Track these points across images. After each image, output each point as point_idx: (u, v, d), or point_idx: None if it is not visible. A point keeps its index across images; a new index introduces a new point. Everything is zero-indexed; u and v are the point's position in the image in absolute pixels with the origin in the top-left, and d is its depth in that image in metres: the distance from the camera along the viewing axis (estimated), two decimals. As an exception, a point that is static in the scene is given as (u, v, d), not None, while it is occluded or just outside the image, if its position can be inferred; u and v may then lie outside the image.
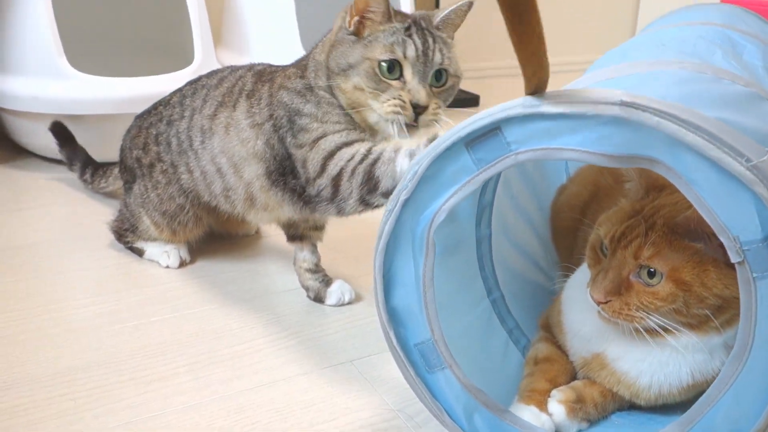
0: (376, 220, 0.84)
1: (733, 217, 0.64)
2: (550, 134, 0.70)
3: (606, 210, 0.89)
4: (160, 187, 1.30)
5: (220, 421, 0.92)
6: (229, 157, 1.18)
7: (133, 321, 1.15)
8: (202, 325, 1.14)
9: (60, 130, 1.67)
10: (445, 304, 0.84)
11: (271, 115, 1.12)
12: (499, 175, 0.98)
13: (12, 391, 0.96)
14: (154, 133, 1.32)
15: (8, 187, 1.73)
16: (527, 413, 0.86)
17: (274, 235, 1.50)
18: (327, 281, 1.24)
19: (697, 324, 0.79)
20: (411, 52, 1.00)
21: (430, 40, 1.02)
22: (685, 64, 0.83)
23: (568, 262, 1.02)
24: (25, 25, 1.74)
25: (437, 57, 1.02)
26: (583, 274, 0.91)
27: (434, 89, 1.03)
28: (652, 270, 0.78)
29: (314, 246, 1.27)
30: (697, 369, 0.82)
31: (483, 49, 3.29)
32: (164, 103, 1.34)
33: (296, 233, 1.26)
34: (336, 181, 1.02)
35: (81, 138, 1.73)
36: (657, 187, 0.84)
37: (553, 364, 0.94)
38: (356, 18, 1.03)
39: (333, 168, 1.03)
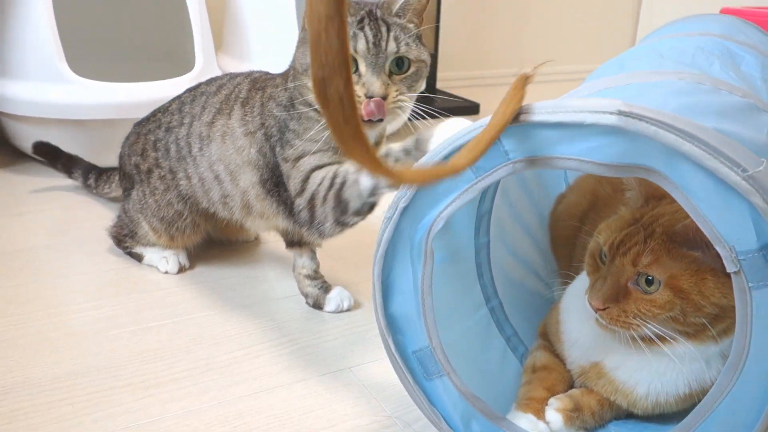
0: (375, 227, 0.84)
1: (729, 226, 0.64)
2: (548, 143, 0.70)
3: (605, 219, 0.89)
4: (158, 193, 1.31)
5: (218, 427, 0.92)
6: (226, 165, 1.19)
7: (132, 326, 1.15)
8: (201, 330, 1.15)
9: (43, 149, 1.69)
10: (443, 311, 0.85)
11: (262, 124, 1.14)
12: (497, 183, 0.99)
13: (11, 395, 0.96)
14: (153, 139, 1.32)
15: (8, 191, 1.73)
16: (524, 421, 0.86)
17: (273, 241, 1.50)
18: (326, 288, 1.24)
19: (694, 333, 0.79)
20: (361, 45, 1.00)
21: (384, 30, 1.01)
22: (683, 75, 0.84)
23: (566, 271, 1.02)
24: (26, 29, 1.75)
25: (391, 46, 1.01)
26: (581, 282, 0.91)
27: (396, 77, 1.03)
28: (650, 277, 0.78)
29: (313, 252, 1.27)
30: (694, 378, 0.82)
31: (484, 57, 3.31)
32: (163, 110, 1.35)
33: (295, 239, 1.27)
34: (311, 204, 1.07)
35: (81, 143, 1.73)
36: (656, 196, 0.84)
37: (551, 372, 0.94)
38: None
39: (308, 191, 1.07)
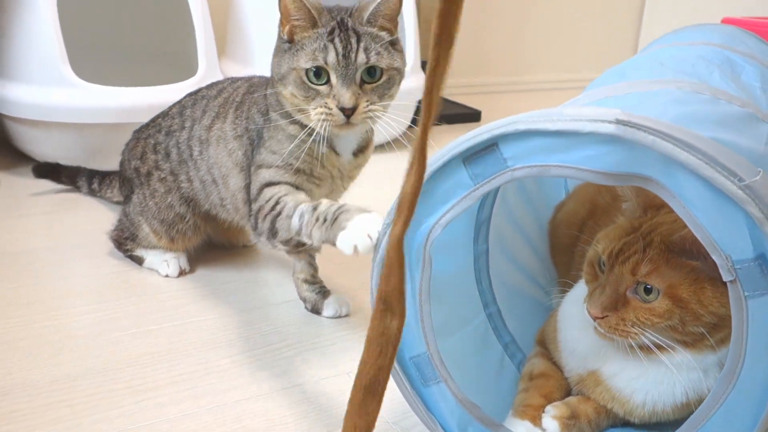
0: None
1: (725, 236, 0.65)
2: (547, 151, 0.70)
3: (603, 228, 0.89)
4: (158, 195, 1.32)
5: (216, 429, 0.92)
6: (219, 168, 1.21)
7: (132, 329, 1.15)
8: (200, 334, 1.15)
9: (44, 169, 1.71)
10: (441, 317, 0.85)
11: (246, 128, 1.16)
12: (496, 191, 0.99)
13: (10, 397, 0.96)
14: (152, 142, 1.33)
15: (10, 193, 1.74)
16: (521, 428, 0.86)
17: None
18: (324, 293, 1.24)
19: (692, 342, 0.79)
20: (331, 57, 1.01)
21: (353, 41, 1.01)
22: (683, 84, 0.84)
23: (565, 279, 1.02)
24: (29, 32, 1.76)
25: (360, 57, 1.01)
26: (580, 290, 0.91)
27: (368, 86, 1.03)
28: (649, 286, 0.78)
29: (312, 257, 1.27)
30: (691, 387, 0.82)
31: (484, 65, 3.32)
32: (163, 114, 1.37)
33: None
34: (257, 215, 1.11)
35: (84, 147, 1.74)
36: (655, 205, 0.85)
37: (548, 379, 0.94)
38: (288, 26, 1.04)
39: (258, 203, 1.11)
